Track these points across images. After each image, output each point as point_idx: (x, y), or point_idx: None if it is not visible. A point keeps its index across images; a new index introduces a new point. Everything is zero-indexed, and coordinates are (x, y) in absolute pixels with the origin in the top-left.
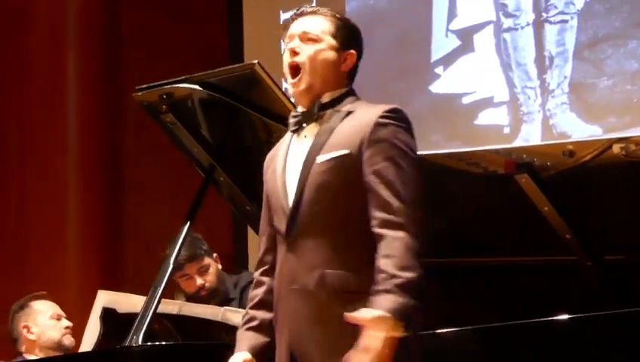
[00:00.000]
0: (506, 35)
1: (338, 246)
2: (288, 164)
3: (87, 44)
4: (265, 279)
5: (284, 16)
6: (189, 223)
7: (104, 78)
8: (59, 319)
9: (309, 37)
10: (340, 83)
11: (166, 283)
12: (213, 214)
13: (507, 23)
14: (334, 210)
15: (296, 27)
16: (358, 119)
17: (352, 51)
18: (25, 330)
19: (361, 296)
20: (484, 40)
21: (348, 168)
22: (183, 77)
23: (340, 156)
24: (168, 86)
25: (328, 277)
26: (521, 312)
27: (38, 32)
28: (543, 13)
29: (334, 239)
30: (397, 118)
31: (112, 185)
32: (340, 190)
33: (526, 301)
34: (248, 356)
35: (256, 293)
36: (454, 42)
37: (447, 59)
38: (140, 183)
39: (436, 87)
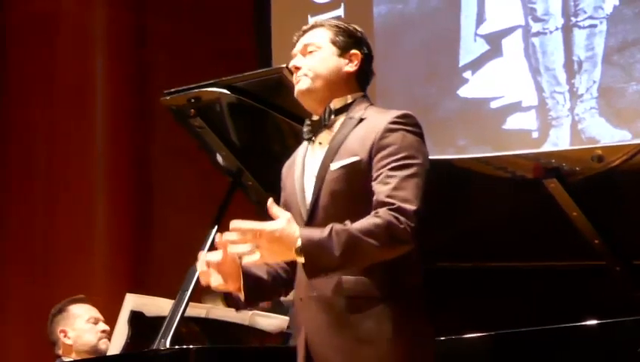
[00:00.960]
0: (535, 40)
1: None
2: (306, 171)
3: (115, 51)
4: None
5: (312, 20)
6: (216, 227)
7: (132, 84)
8: (96, 323)
9: (308, 50)
10: (348, 88)
11: (193, 286)
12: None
13: (536, 27)
14: (348, 216)
15: (298, 46)
16: (370, 125)
17: (355, 51)
18: (62, 334)
19: (378, 301)
20: (513, 44)
21: (359, 174)
22: (211, 81)
23: (352, 163)
24: (196, 90)
25: (345, 283)
26: (550, 317)
27: (66, 39)
28: (572, 18)
29: None
30: (407, 123)
31: (139, 189)
32: (353, 196)
33: (555, 305)
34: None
35: None
36: (483, 47)
37: (476, 64)
38: (167, 188)
39: (464, 92)
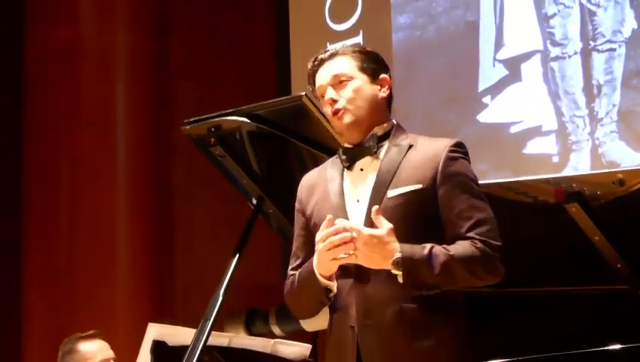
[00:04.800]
0: (554, 64)
1: None
2: (347, 195)
3: (136, 79)
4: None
5: (331, 47)
6: (238, 255)
7: (153, 113)
8: None
9: (340, 80)
10: (385, 114)
11: (216, 315)
12: (263, 246)
13: (554, 51)
14: (407, 242)
15: (324, 76)
16: (424, 153)
17: (384, 76)
18: None
19: (439, 330)
20: (532, 69)
21: (421, 202)
22: (231, 110)
23: (414, 190)
24: (217, 119)
25: (407, 313)
26: (573, 342)
27: (87, 66)
28: (591, 42)
29: None
30: (464, 151)
31: (161, 218)
32: (413, 223)
33: (577, 331)
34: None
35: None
36: (502, 72)
37: (495, 89)
38: (189, 216)
39: (484, 117)
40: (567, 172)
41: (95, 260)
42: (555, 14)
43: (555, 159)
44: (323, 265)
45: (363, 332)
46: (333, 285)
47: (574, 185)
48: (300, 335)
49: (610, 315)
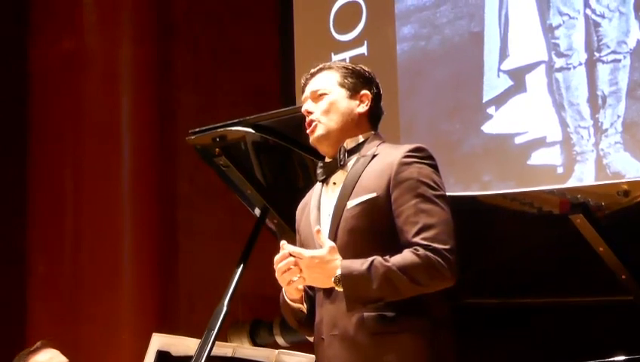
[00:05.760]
0: (558, 75)
1: None
2: (322, 212)
3: (141, 90)
4: None
5: (336, 58)
6: (242, 265)
7: (157, 123)
8: None
9: (318, 94)
10: (360, 127)
11: (220, 325)
12: (267, 256)
13: (559, 62)
14: (367, 253)
15: (306, 90)
16: (383, 161)
17: (365, 91)
18: None
19: (401, 336)
20: (537, 80)
21: (377, 210)
22: (235, 120)
23: (369, 199)
24: (221, 129)
25: (367, 320)
26: (577, 353)
27: (92, 78)
28: (596, 53)
29: None
30: (420, 156)
31: (166, 228)
32: (371, 232)
33: (582, 341)
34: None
35: None
36: (506, 82)
37: (499, 100)
38: (193, 226)
39: (488, 128)
40: (572, 183)
41: (99, 271)
42: (559, 25)
43: (560, 170)
44: (287, 291)
45: (330, 342)
46: (303, 307)
47: (579, 195)
48: (304, 346)
49: (615, 326)
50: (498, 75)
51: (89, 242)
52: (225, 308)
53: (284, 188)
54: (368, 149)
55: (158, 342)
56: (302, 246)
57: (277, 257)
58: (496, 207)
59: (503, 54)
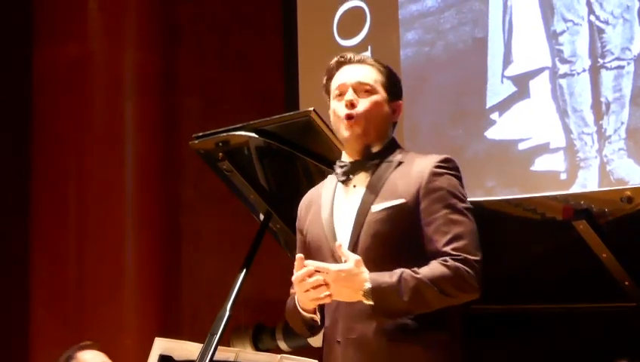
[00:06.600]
0: (562, 81)
1: None
2: (336, 211)
3: (145, 95)
4: None
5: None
6: (245, 270)
7: (162, 128)
8: None
9: (365, 88)
10: (388, 133)
11: (223, 330)
12: (270, 261)
13: (563, 69)
14: (390, 258)
15: (349, 76)
16: (412, 169)
17: (400, 102)
18: None
19: (420, 347)
20: (540, 86)
21: (404, 217)
22: (239, 125)
23: (397, 205)
24: (225, 134)
25: (388, 327)
26: (580, 360)
27: (96, 83)
28: (599, 59)
29: None
30: (451, 167)
31: (169, 233)
32: (396, 238)
33: (585, 348)
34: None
35: None
36: (510, 88)
37: (503, 106)
38: (197, 231)
39: (492, 133)
40: (575, 189)
41: (103, 275)
42: (563, 31)
43: (563, 176)
44: (304, 303)
45: (347, 346)
46: (316, 316)
47: (582, 202)
48: (306, 351)
49: (618, 332)
50: (502, 81)
51: (93, 246)
52: (228, 313)
53: (287, 193)
54: (390, 154)
55: (161, 346)
56: (307, 247)
57: (299, 274)
58: (499, 212)
59: (507, 60)
